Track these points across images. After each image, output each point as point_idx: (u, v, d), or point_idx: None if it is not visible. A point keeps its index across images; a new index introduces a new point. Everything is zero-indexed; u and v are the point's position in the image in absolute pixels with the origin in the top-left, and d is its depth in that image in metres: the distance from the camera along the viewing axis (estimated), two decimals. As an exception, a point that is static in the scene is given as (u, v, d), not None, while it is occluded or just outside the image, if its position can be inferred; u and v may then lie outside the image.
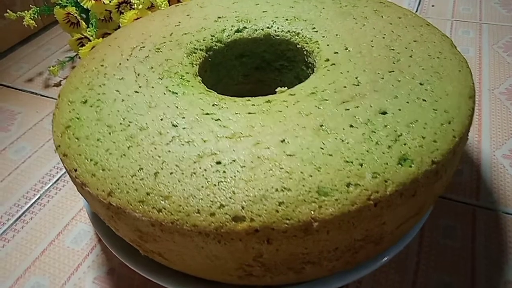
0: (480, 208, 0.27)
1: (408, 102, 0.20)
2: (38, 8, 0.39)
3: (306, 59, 0.28)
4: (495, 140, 0.32)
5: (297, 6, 0.30)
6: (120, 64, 0.25)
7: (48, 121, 0.37)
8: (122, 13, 0.39)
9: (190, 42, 0.27)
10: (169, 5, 0.40)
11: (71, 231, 0.28)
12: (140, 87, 0.23)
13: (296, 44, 0.28)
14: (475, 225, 0.26)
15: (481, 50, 0.41)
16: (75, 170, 0.19)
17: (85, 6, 0.37)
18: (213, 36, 0.28)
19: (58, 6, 0.39)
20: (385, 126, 0.19)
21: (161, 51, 0.26)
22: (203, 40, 0.28)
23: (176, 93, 0.23)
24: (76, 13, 0.39)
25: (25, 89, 0.41)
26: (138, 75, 0.24)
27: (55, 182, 0.31)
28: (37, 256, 0.26)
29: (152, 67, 0.25)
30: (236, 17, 0.30)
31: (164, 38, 0.28)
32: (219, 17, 0.30)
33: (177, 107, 0.21)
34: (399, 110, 0.20)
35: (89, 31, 0.39)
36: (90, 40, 0.39)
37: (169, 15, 0.31)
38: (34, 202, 0.30)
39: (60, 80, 0.42)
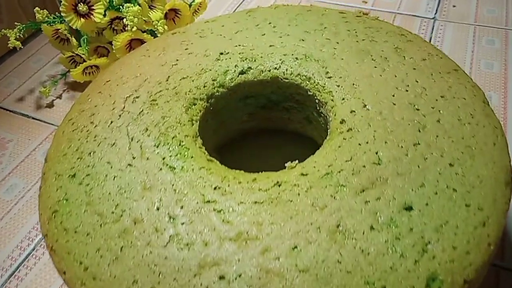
0: (505, 270, 0.25)
1: (436, 193, 0.18)
2: (23, 25, 0.36)
3: (317, 108, 0.25)
4: (521, 183, 0.29)
5: (308, 38, 0.27)
6: (111, 122, 0.23)
7: (40, 152, 0.35)
8: (115, 30, 0.35)
9: (189, 91, 0.24)
10: (166, 19, 0.36)
11: (68, 291, 0.26)
12: (134, 158, 0.21)
13: (307, 90, 0.25)
14: (499, 290, 0.25)
15: (506, 65, 0.38)
16: (64, 273, 0.18)
17: (74, 27, 0.33)
18: (214, 80, 0.25)
19: (46, 24, 0.35)
20: (411, 229, 0.17)
21: (157, 104, 0.24)
22: (204, 86, 0.25)
23: (174, 169, 0.20)
24: (65, 30, 0.35)
25: (16, 111, 0.39)
26: (132, 139, 0.22)
27: (50, 229, 0.29)
28: (33, 322, 0.25)
29: (147, 129, 0.22)
30: (240, 53, 0.27)
31: (160, 84, 0.25)
32: (221, 53, 0.27)
33: (175, 190, 0.19)
34: (426, 204, 0.17)
35: (80, 50, 0.36)
36: (82, 59, 0.36)
37: (166, 49, 0.28)
38: (29, 254, 0.28)
39: (53, 100, 0.39)
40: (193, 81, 0.25)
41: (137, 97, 0.24)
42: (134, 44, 0.34)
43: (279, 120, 0.29)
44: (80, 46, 0.37)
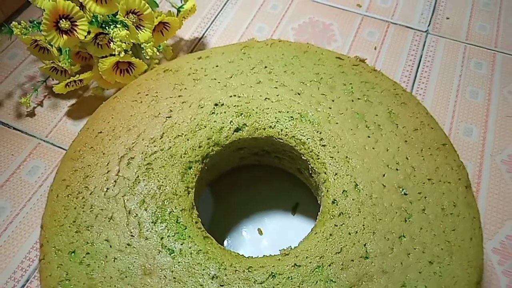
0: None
1: (415, 294, 0.20)
2: (-2, 33, 0.33)
3: (310, 172, 0.26)
4: (489, 228, 0.32)
5: (304, 92, 0.27)
6: (107, 190, 0.23)
7: (26, 170, 0.34)
8: (100, 45, 0.33)
9: (185, 153, 0.24)
10: (153, 31, 0.35)
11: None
12: (132, 236, 0.21)
13: (301, 154, 0.25)
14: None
15: (490, 94, 0.39)
16: None
17: (55, 45, 0.31)
18: (209, 138, 0.25)
19: (23, 35, 0.33)
20: (391, 335, 0.19)
21: (152, 169, 0.24)
22: (199, 147, 0.25)
23: (173, 252, 0.21)
24: (45, 42, 0.33)
25: (-6, 118, 0.37)
26: (129, 213, 0.22)
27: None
28: None
29: (144, 201, 0.23)
30: (235, 105, 0.26)
31: (154, 143, 0.25)
32: (216, 105, 0.26)
33: (174, 278, 0.20)
34: (406, 308, 0.19)
35: (62, 62, 0.34)
36: (65, 70, 0.35)
37: (158, 93, 0.27)
38: (22, 286, 0.29)
39: (34, 107, 0.38)
40: (188, 140, 0.25)
41: (132, 158, 0.24)
42: (121, 65, 0.33)
43: (271, 163, 0.30)
44: (61, 54, 0.35)
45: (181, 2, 0.37)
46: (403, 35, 0.43)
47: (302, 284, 0.20)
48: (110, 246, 0.21)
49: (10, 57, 0.41)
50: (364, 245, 0.21)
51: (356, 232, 0.21)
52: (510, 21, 0.45)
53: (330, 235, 0.21)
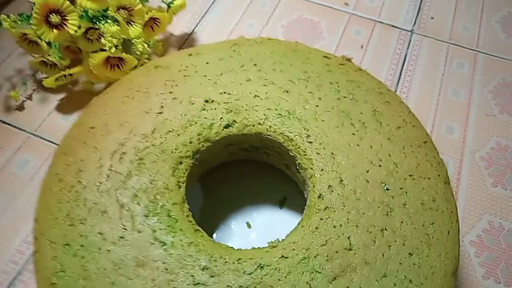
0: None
1: (395, 284, 0.21)
2: (-14, 27, 0.33)
3: (297, 167, 0.27)
4: (467, 222, 0.33)
5: (292, 90, 0.28)
6: (100, 184, 0.23)
7: (16, 163, 0.35)
8: (90, 40, 0.34)
9: (176, 149, 0.25)
10: (144, 27, 0.35)
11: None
12: (125, 229, 0.22)
13: (288, 150, 0.26)
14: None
15: (471, 93, 0.40)
16: None
17: (46, 40, 0.31)
18: (200, 134, 0.26)
19: (13, 28, 0.33)
20: (371, 322, 0.20)
21: (144, 163, 0.24)
22: (190, 142, 0.25)
23: (165, 244, 0.22)
24: (35, 35, 0.33)
25: (-18, 111, 0.37)
26: (122, 206, 0.23)
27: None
28: None
29: (136, 195, 0.23)
30: (225, 102, 0.27)
31: (146, 138, 0.25)
32: (206, 101, 0.27)
33: (166, 269, 0.21)
34: (387, 297, 0.20)
35: (52, 57, 0.34)
36: (55, 64, 0.35)
37: (149, 89, 0.28)
38: (14, 279, 0.30)
39: (23, 101, 0.38)
40: (179, 135, 0.26)
41: (124, 153, 0.25)
42: (111, 60, 0.33)
43: (259, 158, 0.31)
44: (51, 48, 0.35)
45: (172, -2, 0.38)
46: (389, 34, 0.44)
47: (289, 275, 0.21)
48: (104, 239, 0.22)
49: (-3, 50, 0.41)
50: (348, 237, 0.22)
51: (341, 225, 0.22)
52: (491, 23, 0.46)
53: (316, 228, 0.22)
